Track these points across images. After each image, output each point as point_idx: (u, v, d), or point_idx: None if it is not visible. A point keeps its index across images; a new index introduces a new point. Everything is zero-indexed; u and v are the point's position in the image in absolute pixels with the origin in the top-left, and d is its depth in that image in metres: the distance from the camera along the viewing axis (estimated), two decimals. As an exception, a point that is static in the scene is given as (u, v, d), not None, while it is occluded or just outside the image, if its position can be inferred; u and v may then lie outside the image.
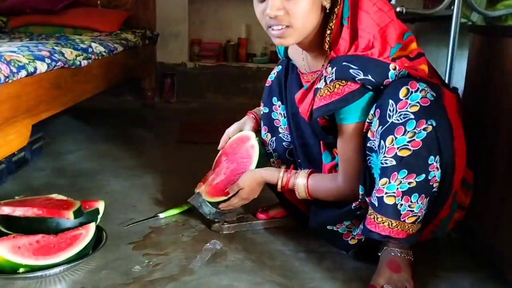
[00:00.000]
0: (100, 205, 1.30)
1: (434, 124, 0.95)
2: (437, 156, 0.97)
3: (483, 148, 1.18)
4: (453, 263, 1.20)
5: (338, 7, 1.05)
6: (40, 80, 1.42)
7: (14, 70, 1.22)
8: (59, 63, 1.52)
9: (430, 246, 1.25)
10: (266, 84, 1.38)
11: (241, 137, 1.39)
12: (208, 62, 3.40)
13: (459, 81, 1.94)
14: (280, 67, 1.35)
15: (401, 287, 1.04)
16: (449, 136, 0.98)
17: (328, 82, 1.02)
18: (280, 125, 1.35)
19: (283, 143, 1.36)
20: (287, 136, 1.35)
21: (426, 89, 0.97)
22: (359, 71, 0.99)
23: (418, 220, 1.01)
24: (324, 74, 1.04)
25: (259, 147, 1.33)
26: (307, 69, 1.21)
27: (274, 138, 1.36)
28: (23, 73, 1.27)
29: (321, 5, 1.05)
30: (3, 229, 1.16)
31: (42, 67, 1.39)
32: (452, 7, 1.65)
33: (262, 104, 1.38)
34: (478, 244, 1.23)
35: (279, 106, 1.34)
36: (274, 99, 1.35)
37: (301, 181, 1.20)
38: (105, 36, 2.41)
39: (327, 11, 1.07)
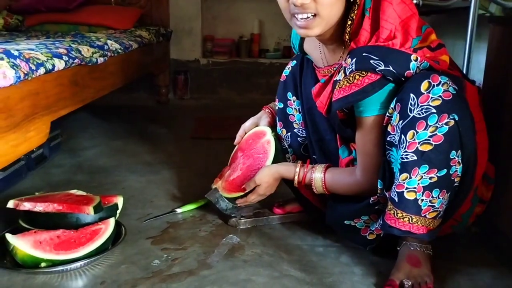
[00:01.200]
0: (119, 201, 1.31)
1: (457, 118, 0.94)
2: (459, 151, 0.96)
3: (503, 142, 1.16)
4: (473, 257, 1.19)
5: None
6: (58, 77, 1.43)
7: (33, 67, 1.24)
8: (76, 60, 1.54)
9: (450, 240, 1.24)
10: (281, 79, 1.37)
11: (256, 133, 1.39)
12: (221, 58, 3.41)
13: (476, 74, 1.91)
14: (295, 61, 1.35)
15: (420, 282, 1.03)
16: (471, 130, 0.97)
17: (347, 73, 1.01)
18: (295, 120, 1.34)
19: (298, 139, 1.35)
20: (302, 131, 1.34)
21: (448, 82, 0.95)
22: (380, 62, 0.98)
23: (439, 215, 1.00)
24: (343, 65, 1.03)
25: (275, 142, 1.33)
26: (324, 63, 1.20)
27: (289, 134, 1.36)
28: (42, 70, 1.29)
29: None
30: (24, 224, 1.18)
31: (60, 64, 1.40)
32: (470, -1, 1.62)
33: (277, 99, 1.38)
34: (499, 238, 1.22)
35: (293, 101, 1.34)
36: (289, 94, 1.34)
37: (318, 176, 1.19)
38: (120, 33, 2.43)
39: (351, 0, 1.05)
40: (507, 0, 1.63)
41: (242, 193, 1.32)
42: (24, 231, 1.14)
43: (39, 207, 1.18)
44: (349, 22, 1.05)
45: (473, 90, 1.04)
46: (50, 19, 2.67)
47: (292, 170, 1.24)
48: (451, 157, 0.95)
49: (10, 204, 1.19)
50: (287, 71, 1.36)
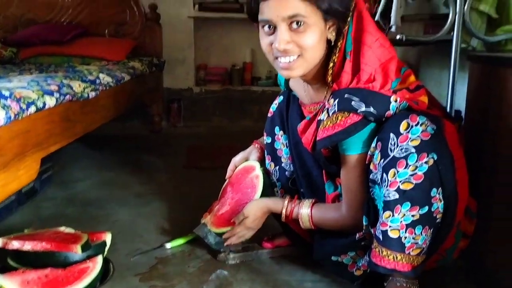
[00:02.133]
0: (107, 237, 1.32)
1: (435, 158, 0.96)
2: (440, 188, 0.98)
3: (484, 174, 1.18)
4: (459, 291, 1.20)
5: (341, 41, 1.08)
6: (49, 115, 1.45)
7: (24, 106, 1.26)
8: (68, 96, 1.56)
9: (436, 274, 1.25)
10: (268, 115, 1.40)
11: (246, 167, 1.41)
12: (214, 86, 3.45)
13: (462, 103, 1.95)
14: (281, 97, 1.38)
15: (407, 317, 1.04)
16: (450, 168, 0.99)
17: (330, 114, 1.04)
18: (283, 155, 1.37)
19: (286, 173, 1.37)
20: (289, 165, 1.37)
21: (426, 122, 0.98)
22: (361, 103, 1.01)
23: (423, 252, 1.02)
24: (326, 106, 1.06)
25: (263, 177, 1.35)
26: (308, 100, 1.23)
27: (277, 168, 1.38)
28: (32, 109, 1.31)
29: (326, 38, 1.08)
30: (13, 263, 1.18)
31: (51, 101, 1.43)
32: (452, 33, 1.67)
33: (265, 133, 1.41)
34: (483, 271, 1.23)
35: (281, 136, 1.36)
36: (277, 128, 1.37)
37: (305, 211, 1.21)
38: (113, 65, 2.46)
39: (332, 44, 1.09)
40: (488, 35, 1.68)
41: (230, 228, 1.33)
42: (13, 270, 1.14)
43: (28, 245, 1.18)
44: (331, 65, 1.09)
45: (452, 129, 1.07)
46: (44, 52, 2.71)
47: (280, 204, 1.26)
48: (432, 194, 0.98)
49: (-2, 243, 1.19)
50: (274, 106, 1.39)
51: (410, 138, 0.97)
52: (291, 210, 1.24)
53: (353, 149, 1.07)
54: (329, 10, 1.03)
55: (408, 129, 0.98)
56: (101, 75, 1.98)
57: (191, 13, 3.33)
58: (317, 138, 1.08)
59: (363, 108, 1.01)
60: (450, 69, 1.68)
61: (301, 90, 1.25)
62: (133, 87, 2.47)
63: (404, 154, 0.97)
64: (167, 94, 3.37)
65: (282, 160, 1.37)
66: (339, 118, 1.03)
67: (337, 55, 1.08)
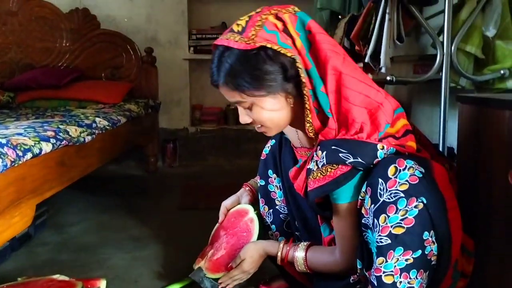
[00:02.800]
0: (102, 284, 1.30)
1: (425, 201, 0.97)
2: (432, 231, 0.98)
3: (479, 213, 1.19)
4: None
5: (307, 102, 1.05)
6: (45, 160, 1.46)
7: (20, 153, 1.27)
8: (64, 141, 1.58)
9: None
10: (261, 158, 1.41)
11: (239, 211, 1.40)
12: (210, 126, 3.49)
13: (454, 140, 1.98)
14: (274, 141, 1.39)
15: None
16: (442, 210, 1.00)
17: (320, 166, 1.05)
18: (277, 197, 1.37)
19: (280, 215, 1.37)
20: (283, 208, 1.37)
21: (414, 166, 0.99)
22: (349, 155, 1.01)
23: None
24: (315, 158, 1.07)
25: (258, 220, 1.34)
26: (300, 144, 1.25)
27: (271, 210, 1.38)
28: (28, 155, 1.32)
29: (285, 101, 1.09)
30: (4, 314, 1.16)
31: (47, 147, 1.44)
32: (441, 73, 1.72)
33: (258, 176, 1.41)
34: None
35: (274, 179, 1.37)
36: (270, 171, 1.38)
37: (300, 254, 1.20)
38: (109, 108, 2.50)
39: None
40: (476, 75, 1.73)
41: (226, 272, 1.31)
42: (4, 321, 1.12)
43: (20, 295, 1.17)
44: (308, 125, 1.08)
45: (441, 170, 1.08)
46: (41, 96, 2.74)
47: (276, 247, 1.26)
48: (424, 237, 0.98)
49: (-9, 293, 1.17)
50: (267, 149, 1.41)
51: (398, 183, 0.98)
52: (286, 253, 1.23)
53: (343, 199, 1.08)
54: (248, 90, 1.04)
55: (396, 174, 0.98)
56: (97, 119, 2.00)
57: (186, 56, 3.40)
58: (309, 189, 1.08)
59: (351, 159, 1.02)
60: (441, 107, 1.71)
61: (293, 134, 1.27)
62: (129, 129, 2.50)
63: (394, 199, 0.97)
64: (162, 134, 3.39)
65: (276, 202, 1.38)
66: (329, 170, 1.04)
67: (309, 115, 1.07)
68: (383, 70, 1.76)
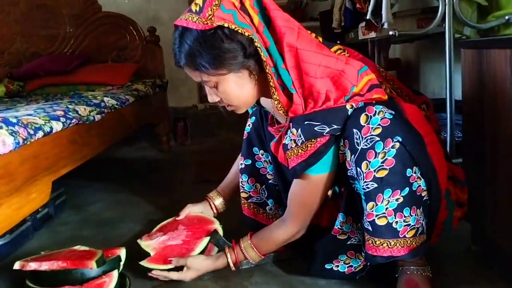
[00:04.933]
0: (122, 252, 1.34)
1: (401, 140, 0.99)
2: (414, 167, 1.00)
3: (487, 154, 1.19)
4: (474, 275, 1.20)
5: (271, 80, 1.06)
6: (56, 138, 1.50)
7: (32, 132, 1.30)
8: (74, 120, 1.61)
9: (450, 261, 1.25)
10: (244, 137, 1.42)
11: (205, 218, 1.44)
12: (218, 101, 3.49)
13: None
14: (253, 117, 1.40)
15: (421, 305, 1.04)
16: (419, 145, 1.02)
17: (299, 144, 1.06)
18: (268, 172, 1.39)
19: (276, 187, 1.39)
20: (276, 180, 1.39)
21: (383, 110, 1.01)
22: (323, 126, 1.03)
23: (419, 232, 1.03)
24: (292, 137, 1.07)
25: (216, 236, 1.35)
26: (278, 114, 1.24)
27: (264, 186, 1.40)
28: (40, 134, 1.35)
29: (249, 78, 1.10)
30: (31, 285, 1.21)
31: (57, 126, 1.47)
32: (444, 24, 1.69)
33: (242, 157, 1.42)
34: (498, 255, 1.23)
35: (262, 155, 1.39)
36: (255, 149, 1.40)
37: (246, 244, 1.23)
38: (117, 89, 2.52)
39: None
40: (480, 23, 1.70)
41: (165, 266, 1.28)
42: (31, 291, 1.17)
43: (44, 265, 1.21)
44: (276, 103, 1.08)
45: (413, 109, 1.10)
46: (49, 82, 2.79)
47: (223, 258, 1.25)
48: (408, 174, 1.00)
49: (16, 265, 1.23)
50: (248, 128, 1.41)
51: (372, 128, 1.00)
52: (235, 255, 1.24)
53: (322, 169, 1.09)
54: (209, 70, 1.05)
55: (368, 121, 1.00)
56: (105, 99, 2.03)
57: (190, 32, 3.39)
58: (293, 164, 1.09)
59: (327, 129, 1.03)
60: (445, 59, 1.69)
61: (270, 105, 1.24)
62: (138, 108, 2.53)
63: (371, 144, 0.99)
64: (172, 114, 3.42)
65: (268, 177, 1.40)
66: (309, 146, 1.06)
67: (275, 93, 1.07)
68: (385, 25, 1.74)
